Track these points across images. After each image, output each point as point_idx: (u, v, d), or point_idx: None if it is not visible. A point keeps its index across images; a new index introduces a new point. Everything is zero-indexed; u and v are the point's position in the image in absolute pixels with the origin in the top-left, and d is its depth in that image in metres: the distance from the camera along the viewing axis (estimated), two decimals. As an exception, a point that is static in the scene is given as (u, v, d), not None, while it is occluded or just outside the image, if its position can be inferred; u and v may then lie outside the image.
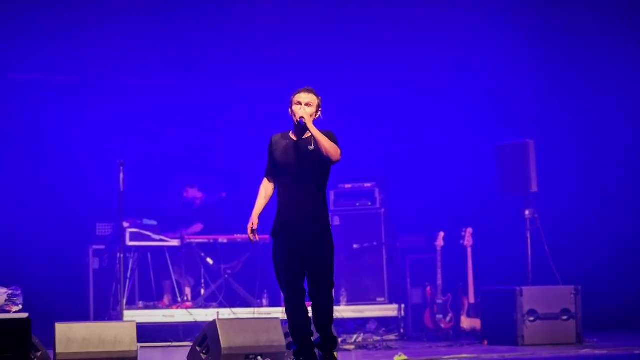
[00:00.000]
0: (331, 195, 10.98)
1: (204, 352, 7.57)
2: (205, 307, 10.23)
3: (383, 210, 10.95)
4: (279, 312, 9.14)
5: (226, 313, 9.88)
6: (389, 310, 10.68)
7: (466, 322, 10.13)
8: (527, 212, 9.94)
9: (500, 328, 9.40)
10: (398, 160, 11.63)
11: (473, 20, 11.36)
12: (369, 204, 11.01)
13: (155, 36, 11.00)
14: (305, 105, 6.38)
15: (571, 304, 9.36)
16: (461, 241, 10.29)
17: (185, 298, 10.39)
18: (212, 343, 7.48)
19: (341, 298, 10.72)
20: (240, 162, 11.39)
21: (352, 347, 9.30)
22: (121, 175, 9.21)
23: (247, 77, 11.53)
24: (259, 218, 6.51)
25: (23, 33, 10.66)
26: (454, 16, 11.33)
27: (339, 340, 9.09)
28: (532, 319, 9.24)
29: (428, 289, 10.38)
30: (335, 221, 10.87)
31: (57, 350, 7.19)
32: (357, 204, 11.03)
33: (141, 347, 7.94)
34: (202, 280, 10.48)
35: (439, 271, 10.31)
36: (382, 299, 10.78)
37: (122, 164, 9.27)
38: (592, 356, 8.31)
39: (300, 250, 6.34)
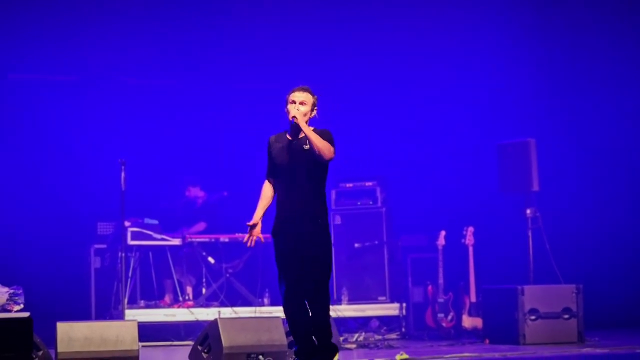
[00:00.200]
0: (332, 194, 10.99)
1: (206, 351, 7.57)
2: (207, 306, 10.22)
3: (384, 209, 10.96)
4: (281, 311, 9.11)
5: (227, 312, 9.88)
6: (391, 309, 10.69)
7: (467, 321, 10.13)
8: (528, 211, 9.94)
9: (502, 327, 9.40)
10: (399, 159, 11.62)
11: (473, 20, 11.36)
12: (370, 203, 11.01)
13: (156, 36, 11.01)
14: (299, 104, 6.40)
15: (572, 303, 9.36)
16: (462, 240, 10.29)
17: (187, 297, 10.39)
18: (213, 342, 7.48)
19: (342, 297, 10.73)
20: (240, 161, 11.39)
21: (354, 346, 9.30)
22: (122, 175, 9.21)
23: (248, 77, 11.54)
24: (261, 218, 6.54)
25: (24, 33, 10.66)
26: (454, 16, 11.33)
27: (341, 339, 9.11)
28: (533, 317, 9.24)
29: (429, 287, 10.38)
30: (337, 220, 10.88)
31: (59, 350, 7.18)
32: (359, 203, 11.03)
33: (142, 346, 7.94)
34: (204, 279, 10.48)
35: (441, 270, 10.31)
36: (384, 298, 10.78)
37: (124, 163, 9.26)
38: (594, 355, 8.31)
39: (297, 250, 6.36)
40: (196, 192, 10.92)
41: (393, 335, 10.31)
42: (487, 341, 9.49)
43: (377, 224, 10.93)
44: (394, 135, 11.76)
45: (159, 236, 10.31)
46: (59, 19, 10.66)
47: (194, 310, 10.04)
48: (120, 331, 7.34)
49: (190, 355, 7.74)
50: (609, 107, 11.71)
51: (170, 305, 10.28)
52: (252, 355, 7.42)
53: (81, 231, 10.87)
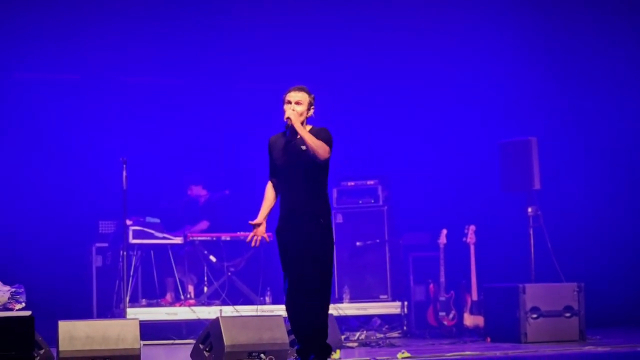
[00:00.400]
0: (334, 193, 11.00)
1: (207, 349, 7.57)
2: (208, 304, 10.23)
3: (386, 207, 10.96)
4: (282, 310, 9.11)
5: (229, 311, 9.88)
6: (392, 307, 10.69)
7: (469, 320, 10.13)
8: (529, 210, 9.94)
9: (503, 325, 9.40)
10: (401, 158, 11.62)
11: (474, 19, 11.35)
12: (372, 201, 11.01)
13: (157, 35, 11.00)
14: (295, 104, 6.40)
15: (574, 301, 9.36)
16: (464, 238, 10.29)
17: (188, 296, 10.39)
18: (215, 341, 7.48)
19: (344, 295, 10.74)
20: (242, 159, 11.39)
21: (355, 344, 9.29)
22: (124, 173, 9.20)
23: (249, 76, 11.54)
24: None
25: (25, 32, 10.66)
26: (455, 15, 11.32)
27: (342, 337, 9.12)
28: (535, 316, 9.24)
29: (431, 286, 10.38)
30: (338, 219, 10.89)
31: (60, 348, 7.19)
32: (360, 202, 11.04)
33: (144, 344, 7.94)
34: (205, 278, 10.49)
35: (442, 268, 10.31)
36: (385, 297, 10.79)
37: (125, 161, 9.26)
38: (595, 353, 8.30)
39: (298, 249, 6.37)
40: (198, 191, 10.92)
41: (394, 334, 10.31)
42: (489, 339, 9.49)
43: (379, 222, 10.93)
44: (396, 134, 11.76)
45: (160, 235, 10.32)
46: (60, 18, 10.66)
47: (195, 308, 10.04)
48: (122, 330, 7.35)
49: (192, 354, 7.75)
50: (611, 106, 11.70)
51: (171, 304, 10.29)
52: (254, 354, 7.43)
53: (83, 230, 10.87)
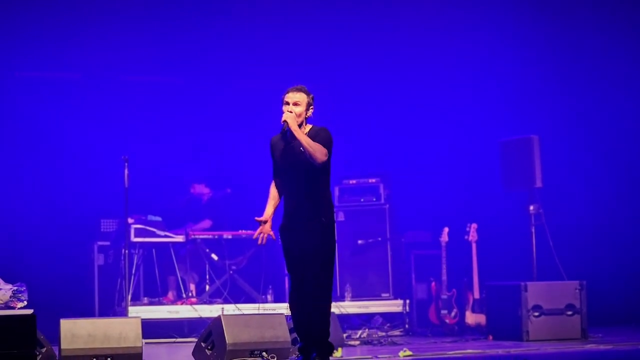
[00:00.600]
0: (336, 191, 11.00)
1: (209, 347, 7.58)
2: (210, 303, 10.23)
3: (387, 205, 10.96)
4: (284, 308, 9.14)
5: (231, 309, 9.89)
6: (394, 305, 10.70)
7: (471, 318, 10.13)
8: (531, 208, 9.94)
9: (505, 323, 9.40)
10: (402, 156, 11.63)
11: (475, 17, 11.35)
12: (374, 199, 11.02)
13: (159, 34, 11.00)
14: (293, 105, 6.41)
15: (576, 299, 9.35)
16: (466, 236, 10.29)
17: (190, 294, 10.40)
18: (217, 339, 7.49)
19: (346, 294, 10.74)
20: (243, 158, 11.39)
21: (357, 342, 9.30)
22: (126, 172, 9.20)
23: (250, 75, 11.54)
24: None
25: (26, 31, 10.66)
26: (456, 14, 11.32)
27: (344, 335, 9.12)
28: (536, 314, 9.23)
29: (433, 284, 10.38)
30: (340, 217, 10.89)
31: (62, 347, 7.20)
32: (362, 200, 11.04)
33: (146, 343, 7.95)
34: (207, 276, 10.49)
35: (444, 267, 10.32)
36: (387, 295, 10.80)
37: (127, 160, 9.26)
38: (597, 351, 8.30)
39: (299, 248, 6.39)
40: (201, 189, 10.92)
41: (396, 332, 10.30)
42: (491, 338, 9.49)
43: (381, 220, 10.94)
44: (397, 132, 11.76)
45: (162, 233, 10.33)
46: (61, 18, 10.66)
47: (197, 307, 10.05)
48: (124, 328, 7.35)
49: (194, 352, 7.75)
50: (612, 104, 11.70)
51: (173, 302, 10.29)
52: (256, 352, 7.43)
53: (84, 228, 10.88)
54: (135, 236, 10.16)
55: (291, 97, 6.43)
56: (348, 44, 11.40)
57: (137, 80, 11.53)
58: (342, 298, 10.72)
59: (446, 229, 10.39)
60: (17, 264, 10.00)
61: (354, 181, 11.13)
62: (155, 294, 10.47)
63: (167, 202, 11.05)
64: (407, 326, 10.49)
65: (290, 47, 11.28)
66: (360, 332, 9.85)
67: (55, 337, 7.31)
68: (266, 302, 10.28)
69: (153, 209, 10.60)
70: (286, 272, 6.66)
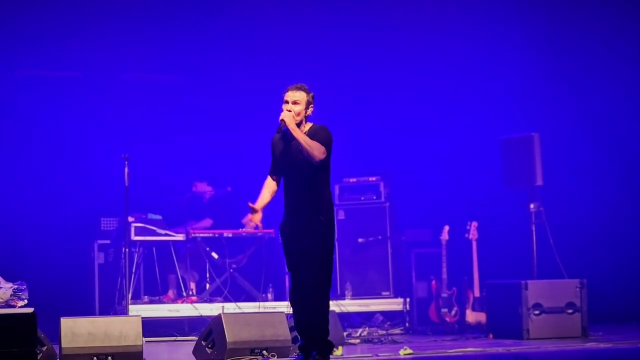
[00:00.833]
0: (336, 190, 11.00)
1: (209, 346, 7.58)
2: (211, 301, 10.23)
3: (388, 204, 10.96)
4: (284, 306, 9.14)
5: (231, 307, 9.89)
6: (394, 304, 10.70)
7: (471, 316, 10.13)
8: (532, 206, 9.94)
9: (506, 322, 9.39)
10: (403, 154, 11.62)
11: (476, 15, 11.35)
12: (374, 197, 11.02)
13: (160, 32, 11.00)
14: (292, 104, 6.43)
15: (576, 298, 9.35)
16: (466, 235, 10.29)
17: (191, 292, 10.40)
18: (217, 337, 7.49)
19: (346, 292, 10.74)
20: (243, 156, 11.38)
21: (358, 341, 9.29)
22: (126, 170, 9.20)
23: (251, 73, 11.53)
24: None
25: (27, 30, 10.66)
26: (457, 10, 11.31)
27: (345, 334, 9.12)
28: (537, 312, 9.23)
29: (433, 282, 10.38)
30: (340, 215, 10.89)
31: (63, 345, 7.20)
32: (362, 198, 11.04)
33: (146, 341, 7.95)
34: (207, 275, 10.49)
35: (444, 265, 10.31)
36: (387, 293, 10.80)
37: (127, 158, 9.26)
38: (598, 350, 8.30)
39: (298, 246, 6.41)
40: (203, 187, 10.92)
41: (397, 330, 10.30)
42: (491, 336, 9.48)
43: (381, 219, 10.94)
44: (397, 130, 11.75)
45: (162, 232, 10.33)
46: (62, 16, 10.66)
47: (197, 305, 10.05)
48: (124, 326, 7.35)
49: (194, 351, 7.75)
50: (614, 102, 11.69)
51: (174, 301, 10.29)
52: (256, 351, 7.44)
53: (85, 227, 10.87)
54: (136, 235, 10.16)
55: (290, 95, 6.45)
56: (348, 43, 11.40)
57: (137, 78, 11.52)
58: (342, 296, 10.72)
59: (446, 227, 10.39)
60: (17, 262, 10.00)
61: (355, 179, 11.13)
62: (155, 292, 10.47)
63: (168, 201, 11.04)
64: (407, 324, 10.49)
65: (291, 46, 11.28)
66: (360, 330, 9.84)
67: (56, 336, 7.31)
68: (266, 300, 10.27)
69: (153, 208, 10.60)
70: (286, 270, 6.66)
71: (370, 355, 7.86)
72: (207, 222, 10.69)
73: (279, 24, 11.19)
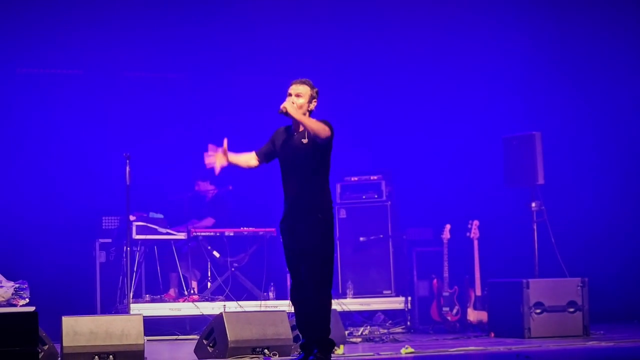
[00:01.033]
0: (337, 188, 11.00)
1: (211, 345, 7.58)
2: (212, 300, 10.23)
3: (389, 202, 10.96)
4: (286, 305, 9.14)
5: (233, 306, 9.88)
6: (396, 302, 10.70)
7: (473, 315, 10.13)
8: (533, 204, 9.93)
9: (507, 320, 9.39)
10: (404, 153, 11.62)
11: (478, 13, 11.34)
12: (376, 196, 11.02)
13: (161, 30, 11.00)
14: (295, 97, 6.45)
15: (578, 296, 9.34)
16: (467, 233, 10.28)
17: (192, 291, 10.39)
18: (218, 336, 7.49)
19: (348, 291, 10.74)
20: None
21: (359, 339, 9.29)
22: (127, 169, 9.19)
23: (252, 71, 11.53)
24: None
25: (28, 28, 10.66)
26: (460, 9, 11.31)
27: (346, 332, 9.12)
28: (538, 311, 9.22)
29: (434, 281, 10.38)
30: (342, 214, 10.89)
31: (64, 344, 7.20)
32: (364, 197, 11.04)
33: (148, 340, 7.94)
34: (209, 274, 10.50)
35: (446, 264, 10.31)
36: (389, 292, 10.80)
37: (128, 157, 9.25)
38: (599, 348, 8.29)
39: (297, 244, 6.41)
40: (206, 186, 10.91)
41: (398, 329, 10.30)
42: (493, 335, 9.48)
43: (382, 217, 10.94)
44: (399, 129, 11.75)
45: (164, 230, 10.33)
46: (63, 14, 10.66)
47: (199, 304, 10.04)
48: (126, 325, 7.35)
49: (196, 350, 7.75)
50: (615, 101, 11.69)
51: (175, 300, 10.29)
52: (258, 349, 7.44)
53: (86, 226, 10.87)
54: (137, 233, 10.16)
55: (294, 88, 6.48)
56: (350, 42, 11.41)
57: (139, 77, 11.52)
58: (343, 295, 10.72)
59: (448, 226, 10.39)
60: (18, 261, 10.01)
61: (356, 178, 11.13)
62: (157, 291, 10.47)
63: (169, 200, 11.04)
64: (408, 323, 10.49)
65: (293, 45, 11.28)
66: (362, 329, 9.84)
67: (57, 335, 7.31)
68: (268, 299, 10.27)
69: (155, 206, 10.60)
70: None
71: (371, 354, 7.85)
72: (209, 221, 10.69)
73: (281, 24, 11.20)
